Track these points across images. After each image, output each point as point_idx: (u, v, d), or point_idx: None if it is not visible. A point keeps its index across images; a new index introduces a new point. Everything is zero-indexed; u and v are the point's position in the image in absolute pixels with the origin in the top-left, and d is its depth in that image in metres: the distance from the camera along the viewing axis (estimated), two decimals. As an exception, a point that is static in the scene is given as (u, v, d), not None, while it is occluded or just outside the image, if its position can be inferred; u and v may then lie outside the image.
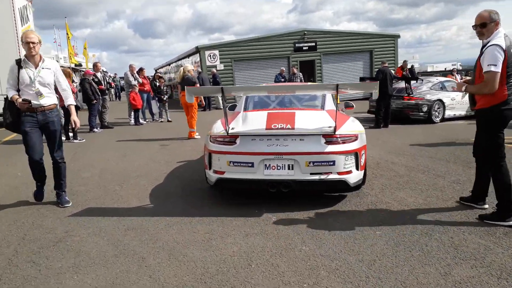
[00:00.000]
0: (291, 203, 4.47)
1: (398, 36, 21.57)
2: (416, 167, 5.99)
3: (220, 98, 17.96)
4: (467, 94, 4.09)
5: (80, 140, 9.73)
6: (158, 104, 13.86)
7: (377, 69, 10.98)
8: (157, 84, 13.81)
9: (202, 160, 6.56)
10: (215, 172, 4.48)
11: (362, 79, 12.65)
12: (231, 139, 4.40)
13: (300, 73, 16.80)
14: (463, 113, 11.85)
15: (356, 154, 4.32)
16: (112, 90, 25.80)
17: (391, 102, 10.75)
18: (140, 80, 12.91)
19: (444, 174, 5.56)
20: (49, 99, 4.45)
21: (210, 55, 18.94)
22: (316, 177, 4.21)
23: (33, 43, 4.23)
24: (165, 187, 5.38)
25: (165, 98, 13.62)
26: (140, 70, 13.36)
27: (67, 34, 22.45)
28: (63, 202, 4.69)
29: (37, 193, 4.80)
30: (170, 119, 13.57)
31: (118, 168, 6.69)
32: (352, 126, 4.61)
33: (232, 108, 6.81)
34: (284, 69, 17.46)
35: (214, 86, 5.02)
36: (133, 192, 5.20)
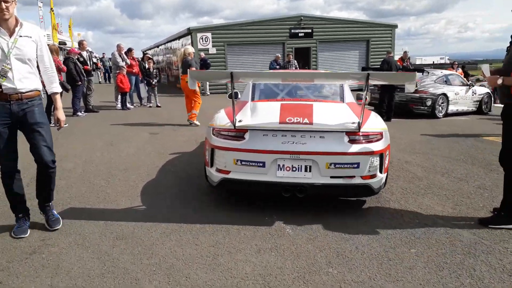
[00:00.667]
0: (304, 209, 3.91)
1: (396, 26, 21.04)
2: (433, 168, 5.49)
3: (207, 84, 17.27)
4: (497, 87, 3.59)
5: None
6: (147, 88, 13.10)
7: (382, 59, 10.43)
8: (146, 66, 13.04)
9: (200, 154, 5.98)
10: (219, 171, 3.89)
11: (364, 69, 12.10)
12: (238, 133, 3.80)
13: (295, 61, 16.14)
14: (465, 108, 11.45)
15: (381, 155, 3.77)
16: (100, 72, 24.69)
17: (394, 95, 10.23)
18: (129, 61, 12.12)
19: (466, 177, 5.06)
20: (29, 82, 3.18)
21: (202, 38, 18.13)
22: (338, 181, 3.65)
23: (5, 1, 2.99)
24: (158, 185, 4.76)
25: (154, 82, 12.87)
26: (129, 51, 12.56)
27: (51, 8, 21.26)
28: (53, 223, 3.48)
29: (17, 229, 3.38)
30: (159, 104, 12.86)
31: (104, 159, 6.03)
32: (376, 122, 4.04)
33: (235, 96, 6.20)
34: (279, 55, 16.79)
35: (221, 71, 4.23)
36: (122, 190, 4.56)
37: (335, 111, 4.06)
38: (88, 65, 10.97)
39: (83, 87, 10.70)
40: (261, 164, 3.66)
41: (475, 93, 11.59)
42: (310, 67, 19.55)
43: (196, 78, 3.98)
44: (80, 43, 11.68)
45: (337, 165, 3.60)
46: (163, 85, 22.55)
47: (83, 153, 6.39)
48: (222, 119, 4.11)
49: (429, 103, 10.56)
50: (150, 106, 12.89)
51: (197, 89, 8.97)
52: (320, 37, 19.63)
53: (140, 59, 14.47)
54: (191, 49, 9.06)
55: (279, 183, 3.64)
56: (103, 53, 27.22)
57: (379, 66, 11.06)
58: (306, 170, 3.63)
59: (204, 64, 16.71)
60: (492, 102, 12.35)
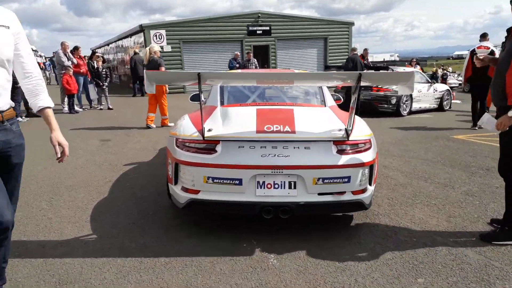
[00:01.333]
0: (287, 230, 3.38)
1: (353, 24, 21.06)
2: (414, 173, 5.14)
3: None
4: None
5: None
6: (97, 89, 12.08)
7: (347, 57, 10.13)
8: (95, 65, 12.02)
9: (160, 164, 5.30)
10: (185, 190, 3.27)
11: (327, 67, 11.78)
12: (208, 145, 3.20)
13: (255, 59, 15.64)
14: (428, 105, 11.44)
15: (372, 166, 3.31)
16: (48, 73, 22.90)
17: (360, 94, 9.93)
18: (75, 60, 11.10)
19: (450, 183, 4.74)
20: (7, 96, 2.19)
21: (156, 35, 17.20)
22: (326, 198, 3.14)
23: None
24: (112, 206, 4.06)
25: (105, 83, 11.87)
26: (75, 49, 11.52)
27: (-14, 4, 19.47)
28: None
29: None
30: (111, 106, 11.92)
31: (47, 173, 5.21)
32: (363, 128, 3.58)
33: (195, 98, 5.56)
34: (238, 53, 16.22)
35: (186, 71, 3.55)
36: (68, 214, 3.83)
37: (318, 117, 3.55)
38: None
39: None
40: (237, 182, 3.08)
41: (436, 90, 11.60)
42: (270, 65, 19.13)
43: (154, 81, 3.32)
44: (19, 41, 10.50)
45: (325, 180, 3.09)
46: (115, 85, 21.33)
47: (24, 168, 5.50)
48: (187, 128, 3.50)
49: (393, 101, 10.39)
50: (101, 109, 11.92)
51: (167, 89, 8.37)
52: (279, 35, 19.25)
53: (88, 58, 13.41)
54: (157, 47, 8.52)
55: (259, 203, 3.08)
56: (53, 52, 25.36)
57: (343, 64, 10.77)
58: (290, 187, 3.09)
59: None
60: (451, 99, 12.45)
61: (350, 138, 3.21)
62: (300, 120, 3.36)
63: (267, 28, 18.95)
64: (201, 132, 3.24)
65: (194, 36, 17.80)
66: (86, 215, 3.79)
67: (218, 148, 3.16)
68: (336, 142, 3.18)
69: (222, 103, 3.85)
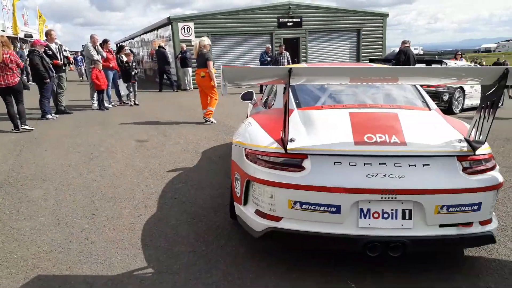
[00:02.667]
0: (384, 266, 2.70)
1: (387, 15, 20.04)
2: (506, 185, 4.37)
3: (188, 77, 15.74)
4: None
5: (27, 128, 7.48)
6: (126, 84, 11.50)
7: (398, 49, 9.31)
8: (124, 59, 11.46)
9: (206, 171, 4.65)
10: (262, 215, 2.63)
11: (372, 61, 10.97)
12: (293, 160, 2.54)
13: (287, 53, 14.87)
14: (478, 102, 10.51)
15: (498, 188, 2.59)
16: (81, 68, 22.43)
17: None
18: (105, 54, 10.58)
19: (557, 199, 3.96)
20: None
21: (184, 28, 16.60)
22: (449, 231, 2.44)
23: None
24: (163, 225, 3.44)
25: (135, 80, 11.34)
26: (104, 42, 11.01)
27: (12, -4, 19.25)
28: None
29: None
30: (137, 102, 11.39)
31: (84, 181, 4.64)
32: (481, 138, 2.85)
33: (248, 96, 4.91)
34: (269, 46, 15.47)
35: (274, 67, 2.81)
36: (114, 236, 3.23)
37: (428, 124, 2.83)
38: (58, 59, 9.38)
39: (53, 85, 9.14)
40: (334, 209, 2.41)
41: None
42: (300, 59, 18.34)
43: (233, 79, 2.63)
44: (48, 34, 9.95)
45: (450, 208, 2.39)
46: (140, 80, 20.90)
47: (56, 172, 4.97)
48: (258, 136, 2.84)
49: (446, 97, 9.54)
50: (131, 105, 11.40)
51: (215, 83, 7.96)
52: (310, 27, 18.41)
53: (115, 52, 12.90)
54: (207, 41, 7.91)
55: (363, 238, 2.40)
56: (82, 46, 24.96)
57: (391, 57, 9.95)
58: (404, 217, 2.40)
59: (183, 58, 15.26)
60: (503, 95, 11.48)
61: (477, 153, 2.50)
62: (408, 128, 2.65)
63: (298, 20, 18.13)
64: (282, 142, 2.59)
65: (222, 29, 17.14)
66: (136, 238, 3.18)
67: (306, 164, 2.49)
68: (460, 158, 2.47)
69: (298, 105, 3.15)
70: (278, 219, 2.55)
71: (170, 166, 5.17)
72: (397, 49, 19.23)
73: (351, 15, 19.14)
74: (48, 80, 8.63)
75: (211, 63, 7.80)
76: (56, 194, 4.22)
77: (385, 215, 2.40)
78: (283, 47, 14.81)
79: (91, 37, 10.42)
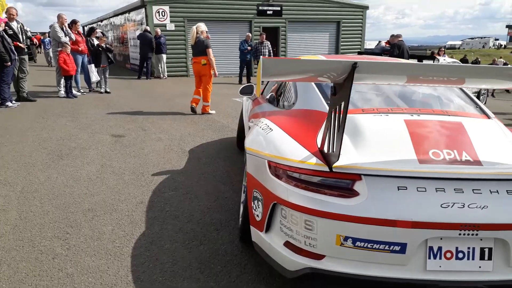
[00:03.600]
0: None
1: (367, 7, 19.74)
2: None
3: (162, 64, 14.89)
4: None
5: (-16, 120, 6.57)
6: (97, 69, 10.52)
7: (392, 43, 8.87)
8: (96, 42, 10.50)
9: (197, 173, 4.02)
10: (295, 250, 2.06)
11: (361, 53, 10.53)
12: (342, 182, 1.98)
13: (268, 42, 14.25)
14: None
15: None
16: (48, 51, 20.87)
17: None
18: (73, 36, 9.62)
19: None
20: None
21: (158, 12, 15.63)
22: None
23: None
24: (156, 249, 2.81)
25: (110, 60, 10.53)
26: (73, 23, 9.99)
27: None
28: None
29: None
30: (108, 90, 10.53)
31: (53, 186, 3.91)
32: None
33: (248, 90, 4.32)
34: (250, 35, 14.78)
35: (330, 60, 2.13)
36: (96, 266, 2.57)
37: (497, 136, 2.31)
38: (19, 40, 8.38)
39: (14, 69, 8.16)
40: (397, 248, 1.87)
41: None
42: (279, 49, 17.76)
43: (274, 73, 1.95)
44: (8, 11, 8.90)
45: (539, 247, 1.90)
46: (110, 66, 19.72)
47: (18, 175, 4.20)
48: (287, 146, 2.27)
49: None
50: (101, 93, 10.50)
51: (216, 72, 7.65)
52: (290, 17, 17.83)
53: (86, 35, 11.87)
54: (204, 27, 7.48)
55: (432, 284, 1.88)
56: (49, 27, 23.13)
57: (381, 51, 9.52)
58: (482, 258, 1.89)
59: (158, 43, 14.36)
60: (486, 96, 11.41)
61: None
62: (479, 141, 2.14)
63: (278, 8, 17.50)
64: (324, 157, 2.03)
65: (199, 14, 16.26)
66: (125, 269, 2.54)
67: (360, 187, 1.94)
68: (546, 183, 1.99)
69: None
70: (319, 257, 1.99)
71: (155, 169, 4.50)
72: (375, 42, 18.95)
73: (332, 6, 18.68)
74: (9, 63, 7.67)
75: (211, 50, 7.39)
76: (18, 204, 3.49)
77: (460, 255, 1.88)
78: (264, 35, 14.19)
79: (59, 17, 9.42)
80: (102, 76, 10.56)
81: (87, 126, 6.55)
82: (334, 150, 1.92)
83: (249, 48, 14.07)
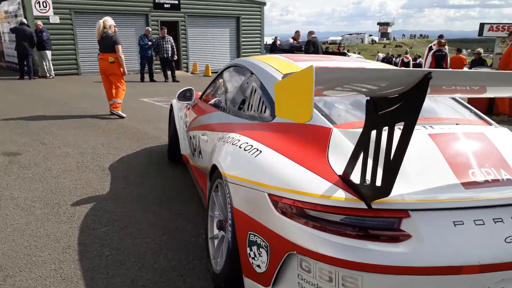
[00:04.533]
0: None
1: (264, 4, 19.83)
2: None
3: (47, 62, 13.12)
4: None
5: None
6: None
7: (307, 40, 8.78)
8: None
9: (141, 217, 3.29)
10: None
11: (272, 51, 10.31)
12: (385, 221, 1.55)
13: (170, 37, 13.36)
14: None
15: None
16: None
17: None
18: None
19: None
20: None
21: (38, 2, 13.67)
22: None
23: None
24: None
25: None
26: None
27: None
28: None
29: None
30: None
31: None
32: None
33: (189, 95, 3.73)
34: (149, 29, 13.71)
35: (406, 69, 1.57)
36: None
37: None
38: None
39: None
40: None
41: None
42: (180, 44, 16.90)
43: (332, 85, 1.37)
44: None
45: None
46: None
47: None
48: (295, 174, 1.78)
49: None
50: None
51: (125, 71, 6.92)
52: (188, 11, 17.06)
53: None
54: (111, 21, 6.71)
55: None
56: None
57: (296, 48, 9.40)
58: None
59: (39, 39, 12.55)
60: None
61: None
62: (509, 155, 1.87)
63: (176, 2, 16.61)
64: (354, 190, 1.59)
65: (88, 6, 14.66)
66: None
67: (410, 227, 1.53)
68: None
69: (331, 121, 2.10)
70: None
71: (73, 196, 3.62)
72: (269, 38, 19.12)
73: (230, 2, 18.36)
74: None
75: (120, 47, 6.62)
76: None
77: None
78: (165, 30, 13.30)
79: None
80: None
81: (-36, 143, 5.20)
82: (382, 183, 1.47)
83: (150, 43, 13.06)
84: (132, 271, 2.48)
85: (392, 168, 1.42)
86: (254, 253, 1.83)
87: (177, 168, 4.44)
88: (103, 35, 6.62)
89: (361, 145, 1.58)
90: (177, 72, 14.18)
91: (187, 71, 17.31)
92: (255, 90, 2.72)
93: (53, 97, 9.27)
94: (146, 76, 13.31)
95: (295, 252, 1.62)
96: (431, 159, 1.76)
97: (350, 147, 1.86)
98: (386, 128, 1.46)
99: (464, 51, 14.34)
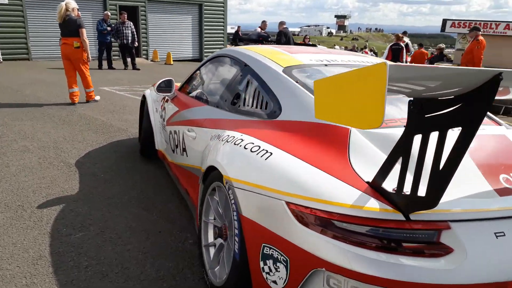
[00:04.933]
0: None
1: (227, -9, 19.43)
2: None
3: None
4: None
5: None
6: None
7: (278, 31, 8.57)
8: None
9: (120, 223, 2.99)
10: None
11: (241, 40, 10.03)
12: (424, 233, 1.41)
13: (131, 22, 12.71)
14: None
15: None
16: None
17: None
18: None
19: None
20: None
21: (-17, -20, 12.58)
22: None
23: None
24: None
25: None
26: None
27: None
28: None
29: None
30: None
31: None
32: None
33: (168, 87, 3.45)
34: (108, 13, 12.98)
35: (479, 68, 1.40)
36: None
37: None
38: None
39: None
40: None
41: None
42: (140, 30, 16.20)
43: (402, 80, 1.20)
44: None
45: None
46: None
47: None
48: (318, 180, 1.60)
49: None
50: None
51: (90, 57, 6.62)
52: (149, -5, 16.40)
53: None
54: (74, 4, 6.36)
55: None
56: None
57: (264, 38, 9.18)
58: None
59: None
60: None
61: None
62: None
63: (136, -15, 15.90)
64: (390, 199, 1.43)
65: (40, -14, 13.69)
66: None
67: (451, 240, 1.40)
68: None
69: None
70: None
71: (38, 197, 3.26)
72: (232, 26, 18.74)
73: (192, -13, 17.84)
74: None
75: (84, 31, 6.27)
76: None
77: None
78: (125, 15, 12.65)
79: None
80: None
81: None
82: (428, 193, 1.32)
83: (109, 28, 12.37)
84: (117, 284, 2.22)
85: (444, 177, 1.27)
86: (269, 267, 1.65)
87: (151, 164, 4.14)
88: (65, 18, 6.25)
89: (400, 150, 1.41)
90: (136, 60, 13.58)
91: (147, 59, 16.67)
92: (252, 83, 2.50)
93: (3, 84, 8.55)
94: (104, 63, 12.63)
95: (323, 268, 1.45)
96: (462, 165, 1.64)
97: (372, 149, 1.72)
98: (435, 132, 1.30)
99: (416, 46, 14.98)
